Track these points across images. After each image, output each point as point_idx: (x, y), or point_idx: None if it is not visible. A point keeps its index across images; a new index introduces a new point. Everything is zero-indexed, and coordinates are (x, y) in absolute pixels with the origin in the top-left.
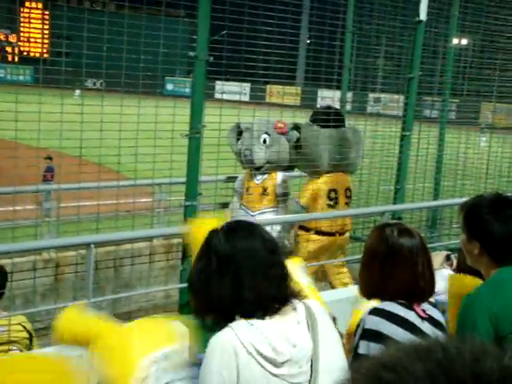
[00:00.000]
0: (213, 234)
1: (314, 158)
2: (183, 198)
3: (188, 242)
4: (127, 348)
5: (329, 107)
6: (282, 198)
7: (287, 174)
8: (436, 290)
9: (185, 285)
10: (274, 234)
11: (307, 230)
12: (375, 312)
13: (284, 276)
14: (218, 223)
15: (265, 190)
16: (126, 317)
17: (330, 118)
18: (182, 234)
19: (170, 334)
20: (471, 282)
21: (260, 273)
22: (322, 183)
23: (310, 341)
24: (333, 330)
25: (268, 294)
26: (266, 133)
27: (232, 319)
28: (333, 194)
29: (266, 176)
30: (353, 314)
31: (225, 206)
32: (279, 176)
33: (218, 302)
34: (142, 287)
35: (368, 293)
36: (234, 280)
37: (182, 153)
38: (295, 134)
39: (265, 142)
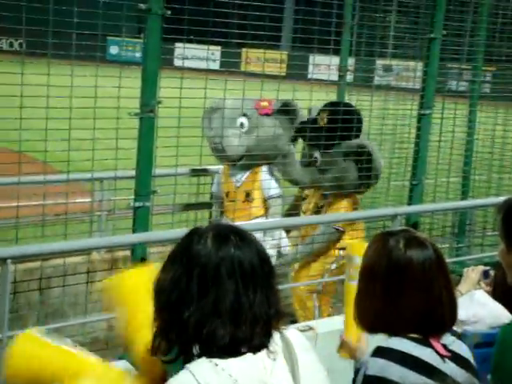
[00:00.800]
0: (193, 237)
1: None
2: (132, 197)
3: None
4: None
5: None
6: (273, 201)
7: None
8: (465, 317)
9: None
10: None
11: None
12: (379, 353)
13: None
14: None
15: (248, 194)
16: None
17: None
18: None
19: None
20: None
21: (250, 300)
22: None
23: (291, 381)
24: (317, 368)
25: (242, 337)
26: (245, 115)
27: (190, 355)
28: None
29: (246, 174)
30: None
31: (188, 207)
32: (264, 171)
33: (187, 329)
34: (78, 316)
35: (368, 325)
36: (215, 304)
37: (130, 138)
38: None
39: (242, 126)
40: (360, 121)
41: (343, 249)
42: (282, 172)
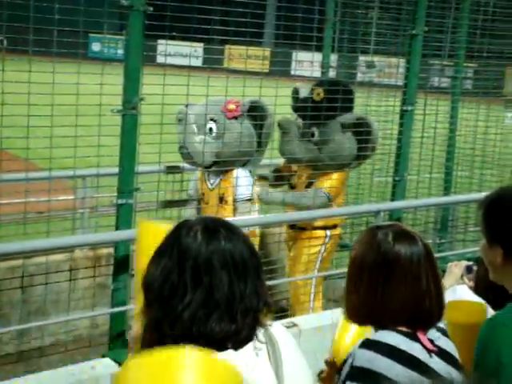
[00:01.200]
0: (181, 231)
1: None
2: (115, 194)
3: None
4: None
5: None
6: (241, 203)
7: (247, 171)
8: None
9: (118, 309)
10: None
11: (334, 226)
12: (367, 345)
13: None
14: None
15: (221, 197)
16: (38, 354)
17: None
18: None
19: None
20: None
21: (242, 291)
22: (347, 172)
23: (274, 378)
24: (301, 365)
25: (234, 330)
26: (212, 119)
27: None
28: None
29: (220, 178)
30: (337, 340)
31: (170, 204)
32: (238, 173)
33: (181, 323)
34: (60, 314)
35: (356, 317)
36: (209, 295)
37: (112, 135)
38: (246, 124)
39: (211, 131)
40: (352, 95)
41: (331, 227)
42: (280, 149)
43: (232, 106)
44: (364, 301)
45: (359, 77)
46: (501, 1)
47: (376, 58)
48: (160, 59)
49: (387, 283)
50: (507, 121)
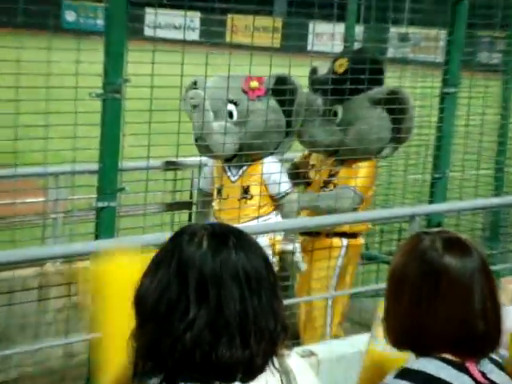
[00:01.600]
0: (183, 237)
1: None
2: (94, 195)
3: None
4: None
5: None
6: (280, 200)
7: (276, 159)
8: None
9: (98, 335)
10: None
11: (354, 235)
12: (404, 375)
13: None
14: (140, 261)
15: (245, 190)
16: None
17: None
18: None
19: None
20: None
21: (256, 310)
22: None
23: None
24: None
25: (247, 357)
26: (231, 101)
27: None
28: None
29: (244, 168)
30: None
31: (170, 207)
32: (268, 165)
33: (183, 346)
34: (28, 341)
35: (396, 339)
36: (217, 313)
37: (92, 123)
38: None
39: (231, 116)
40: (382, 66)
41: (349, 236)
42: (298, 135)
43: (255, 84)
44: (403, 320)
45: (390, 52)
46: None
47: (411, 30)
48: (148, 32)
49: (432, 297)
50: None
